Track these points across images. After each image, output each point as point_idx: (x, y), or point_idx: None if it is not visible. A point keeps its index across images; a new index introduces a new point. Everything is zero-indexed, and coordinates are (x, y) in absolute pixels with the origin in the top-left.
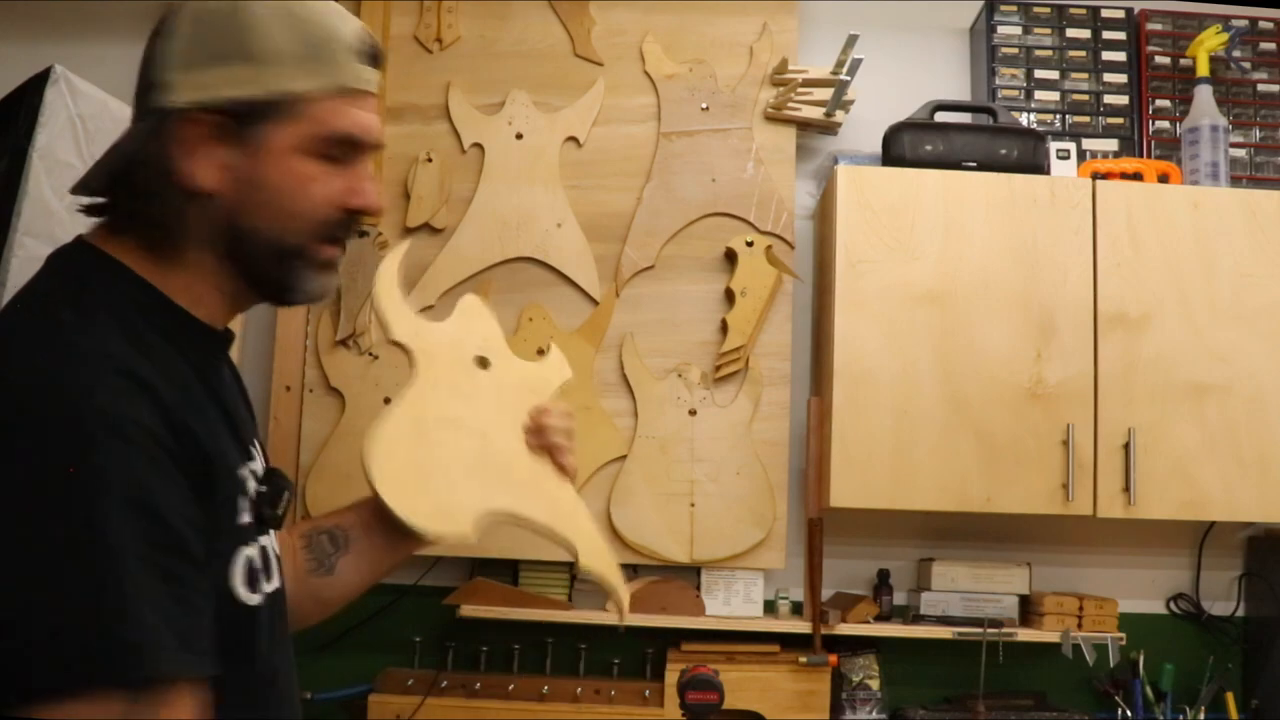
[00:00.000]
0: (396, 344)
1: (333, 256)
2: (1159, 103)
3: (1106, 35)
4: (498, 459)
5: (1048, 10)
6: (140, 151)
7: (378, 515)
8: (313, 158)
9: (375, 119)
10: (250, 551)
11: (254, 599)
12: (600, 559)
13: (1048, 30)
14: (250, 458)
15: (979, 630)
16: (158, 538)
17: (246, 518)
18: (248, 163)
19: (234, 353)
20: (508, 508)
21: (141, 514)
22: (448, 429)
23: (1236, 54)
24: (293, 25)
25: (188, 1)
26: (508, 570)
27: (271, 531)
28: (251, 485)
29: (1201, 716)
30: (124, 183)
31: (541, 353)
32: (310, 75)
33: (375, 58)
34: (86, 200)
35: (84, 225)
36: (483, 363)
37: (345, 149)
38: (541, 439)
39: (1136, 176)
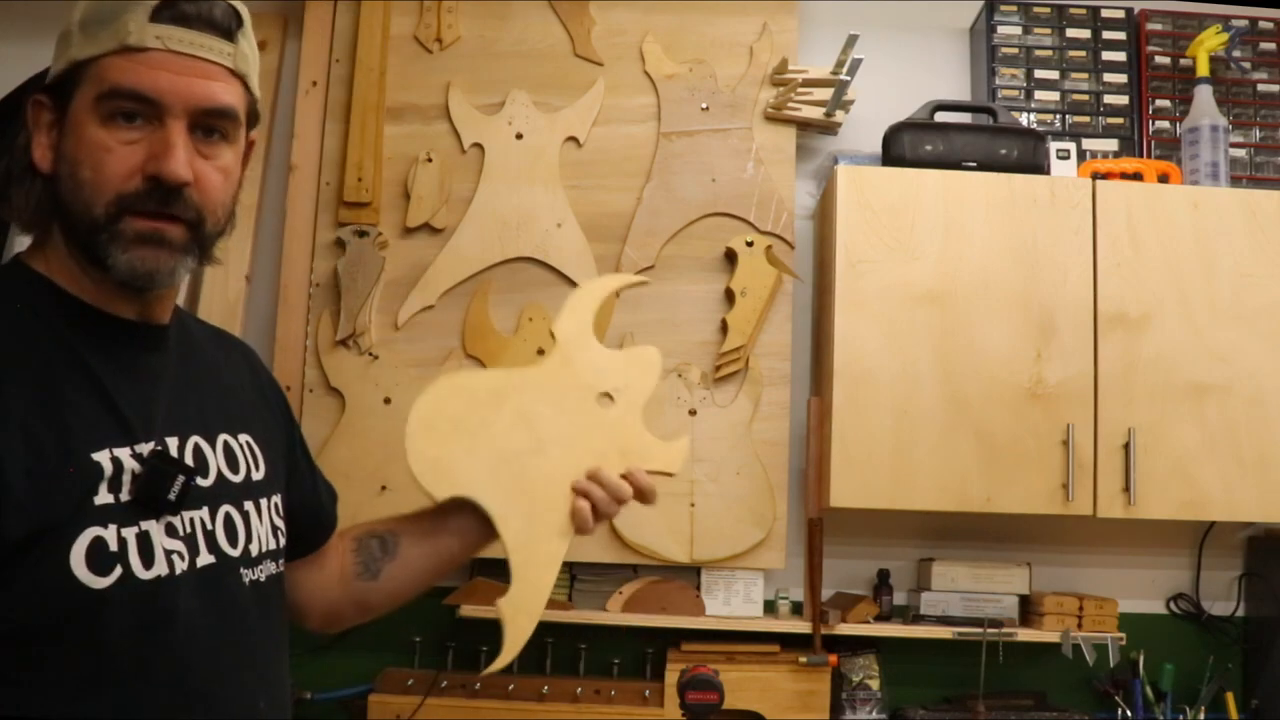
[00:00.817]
0: (553, 334)
1: (149, 230)
2: (1159, 103)
3: (1106, 35)
4: (530, 471)
5: (1048, 10)
6: (12, 147)
7: (435, 517)
8: (106, 125)
9: (181, 79)
10: (104, 532)
11: (100, 582)
12: (519, 613)
13: (1048, 30)
14: (135, 441)
15: (979, 630)
16: None
17: (107, 499)
18: (61, 139)
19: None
20: (494, 509)
21: None
22: (516, 418)
23: (1236, 54)
24: None
25: None
26: (508, 570)
27: (181, 516)
28: (124, 467)
29: (1201, 716)
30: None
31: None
32: (90, 40)
33: (186, 19)
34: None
35: None
36: (607, 400)
37: (136, 110)
38: (580, 487)
39: (1136, 176)
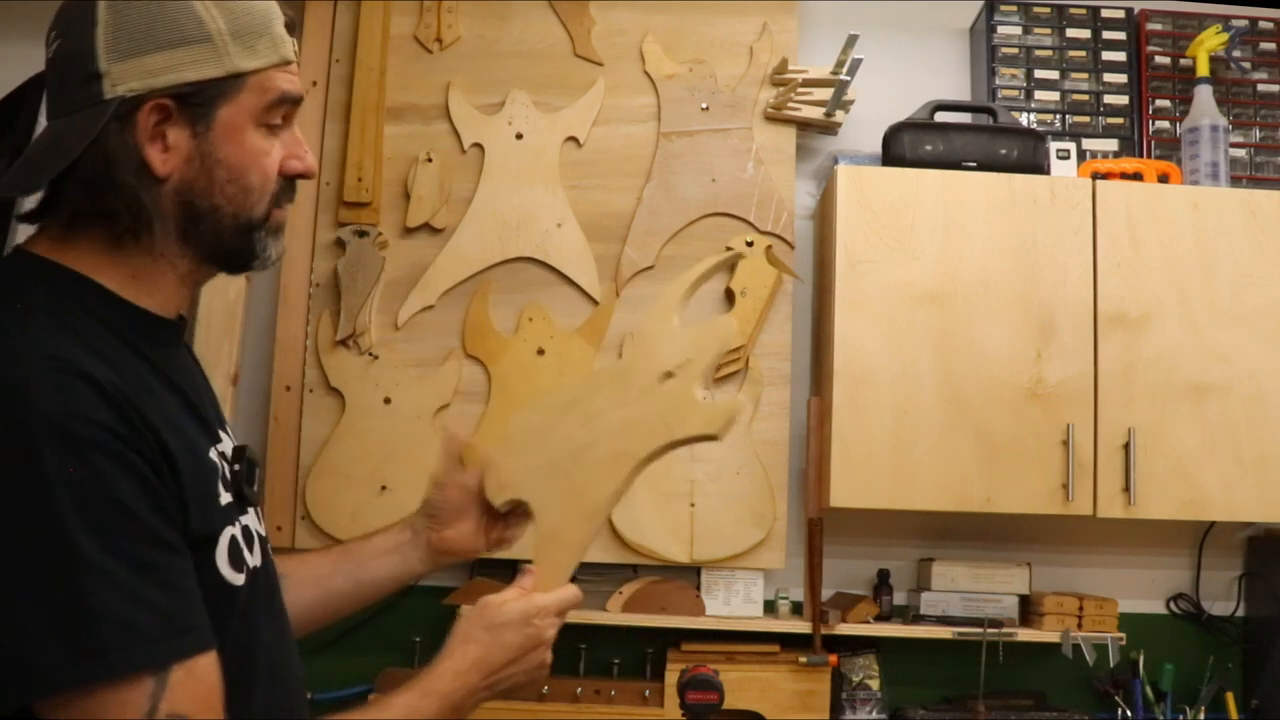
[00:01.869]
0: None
1: (284, 220)
2: (1159, 103)
3: (1106, 35)
4: (580, 463)
5: (1048, 10)
6: (92, 144)
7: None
8: (260, 131)
9: (300, 82)
10: (234, 531)
11: (238, 578)
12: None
13: (1048, 30)
14: (217, 440)
15: (979, 630)
16: (124, 530)
17: (226, 498)
18: (201, 143)
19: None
20: (533, 500)
21: (103, 509)
22: (582, 419)
23: (1236, 54)
24: (226, 6)
25: None
26: (508, 570)
27: (252, 509)
28: (224, 466)
29: (1201, 716)
30: (76, 178)
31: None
32: (252, 51)
33: (291, 27)
34: (28, 203)
35: None
36: (667, 378)
37: (283, 116)
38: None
39: (1136, 176)
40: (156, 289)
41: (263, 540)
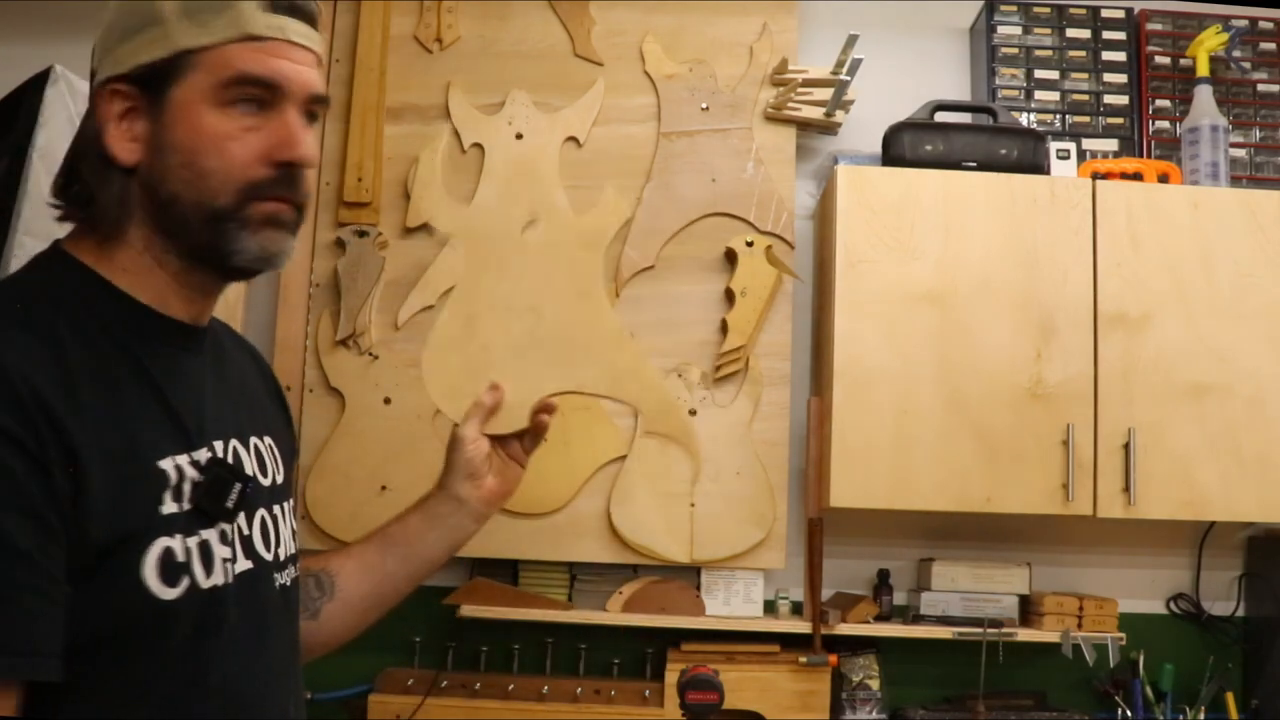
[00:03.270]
0: (424, 225)
1: (274, 213)
2: (1159, 103)
3: (1106, 35)
4: (549, 332)
5: (1048, 10)
6: (78, 139)
7: (382, 545)
8: (224, 112)
9: (297, 67)
10: (172, 543)
11: (168, 593)
12: (673, 424)
13: (1048, 30)
14: (193, 448)
15: (979, 630)
16: None
17: (171, 508)
18: (159, 129)
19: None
20: (560, 384)
21: None
22: (498, 315)
23: (1236, 54)
24: None
25: None
26: (508, 570)
27: (242, 526)
28: (185, 475)
29: (1201, 716)
30: (69, 173)
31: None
32: (203, 28)
33: (295, 10)
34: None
35: None
36: (531, 226)
37: (261, 96)
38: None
39: (1136, 176)
40: (149, 285)
41: (265, 566)
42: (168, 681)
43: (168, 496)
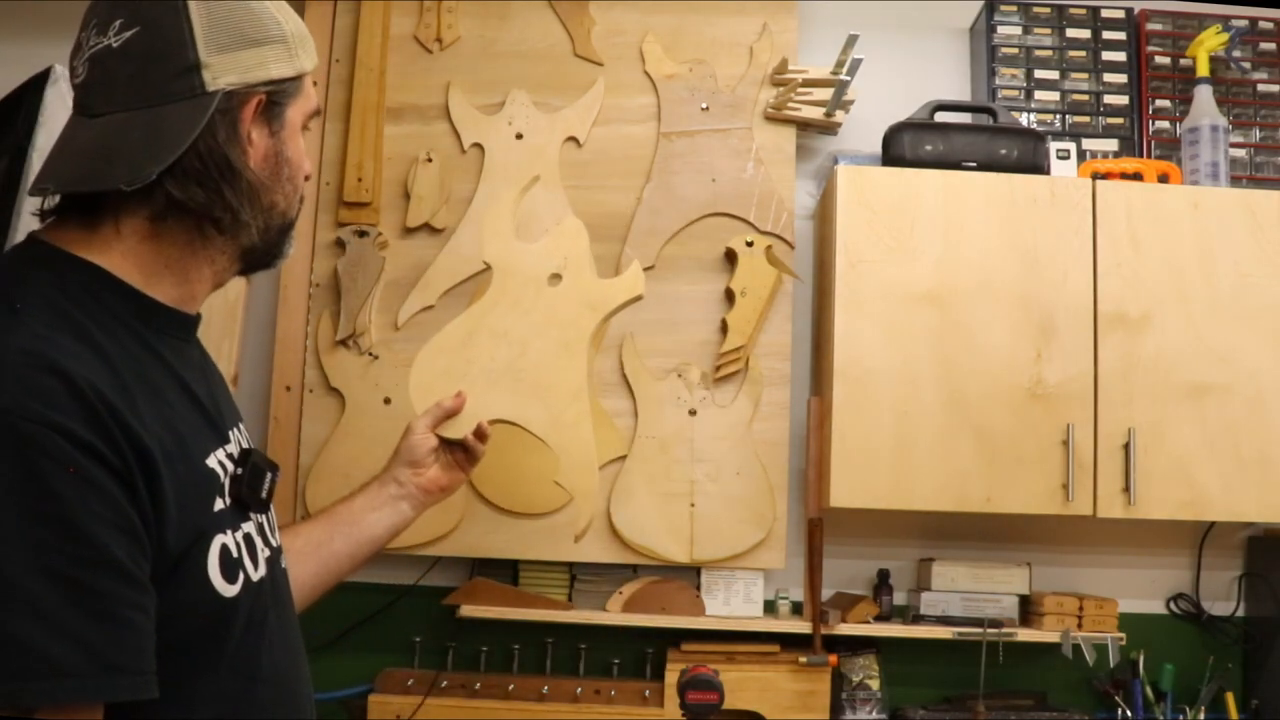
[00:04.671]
0: (486, 263)
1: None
2: (1159, 103)
3: (1106, 35)
4: (523, 370)
5: (1048, 10)
6: (199, 136)
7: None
8: (303, 135)
9: None
10: (226, 540)
11: (230, 590)
12: (580, 475)
13: (1048, 30)
14: (225, 441)
15: (979, 630)
16: (61, 547)
17: (221, 504)
18: (275, 141)
19: (234, 353)
20: (510, 415)
21: (39, 521)
22: (493, 340)
23: (1236, 54)
24: (289, 11)
25: None
26: (508, 570)
27: (264, 516)
28: (224, 472)
29: (1201, 716)
30: (176, 169)
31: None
32: (308, 55)
33: None
34: (54, 192)
35: None
36: (556, 279)
37: None
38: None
39: (1136, 176)
40: (185, 282)
41: (275, 552)
42: (230, 678)
43: (217, 494)
